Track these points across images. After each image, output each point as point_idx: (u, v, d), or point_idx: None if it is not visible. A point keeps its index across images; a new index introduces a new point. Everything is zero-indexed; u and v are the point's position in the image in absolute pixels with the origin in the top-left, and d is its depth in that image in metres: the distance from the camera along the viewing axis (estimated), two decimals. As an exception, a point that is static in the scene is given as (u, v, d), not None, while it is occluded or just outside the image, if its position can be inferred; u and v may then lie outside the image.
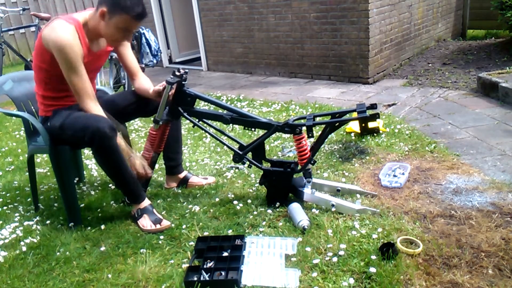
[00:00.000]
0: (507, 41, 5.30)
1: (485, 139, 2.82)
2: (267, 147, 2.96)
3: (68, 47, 1.93)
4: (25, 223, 2.28)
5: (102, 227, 2.17)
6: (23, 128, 3.62)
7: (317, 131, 2.85)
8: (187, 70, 2.18)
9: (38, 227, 2.24)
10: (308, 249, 1.82)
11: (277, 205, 2.21)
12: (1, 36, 5.32)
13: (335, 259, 1.74)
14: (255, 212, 2.17)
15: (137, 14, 1.97)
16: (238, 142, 2.27)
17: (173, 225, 2.12)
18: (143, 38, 4.87)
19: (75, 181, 2.64)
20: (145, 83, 2.31)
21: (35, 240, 2.11)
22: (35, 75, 2.13)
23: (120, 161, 2.07)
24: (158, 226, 2.09)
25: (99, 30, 2.03)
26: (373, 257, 1.72)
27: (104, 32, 2.02)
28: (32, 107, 2.36)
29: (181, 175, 2.54)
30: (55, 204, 2.48)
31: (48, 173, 2.97)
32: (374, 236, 1.87)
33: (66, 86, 2.04)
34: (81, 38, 2.00)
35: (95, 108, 2.05)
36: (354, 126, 3.09)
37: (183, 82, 2.17)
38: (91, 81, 2.21)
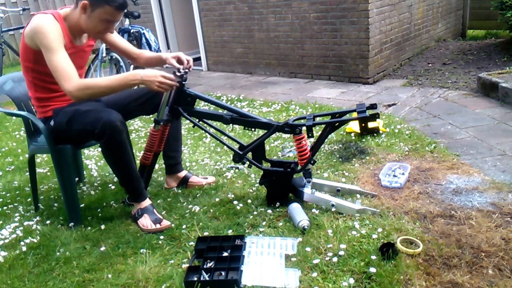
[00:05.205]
0: (507, 41, 5.30)
1: (485, 139, 2.82)
2: (267, 147, 2.96)
3: (47, 28, 1.92)
4: (25, 223, 2.28)
5: (102, 227, 2.17)
6: (23, 128, 3.63)
7: (317, 131, 2.85)
8: (187, 70, 2.18)
9: (38, 227, 2.24)
10: (308, 249, 1.82)
11: (277, 205, 2.21)
12: (1, 36, 5.33)
13: (335, 259, 1.74)
14: (255, 212, 2.17)
15: (119, 4, 2.00)
16: (238, 142, 2.27)
17: (173, 225, 2.12)
18: (143, 38, 4.88)
19: (75, 181, 2.64)
20: (151, 53, 2.40)
21: (35, 240, 2.11)
22: (25, 79, 2.14)
23: (128, 156, 2.07)
24: (158, 226, 2.09)
25: (80, 24, 2.04)
26: (373, 257, 1.72)
27: (86, 25, 2.03)
28: (33, 107, 2.36)
29: (181, 174, 2.54)
30: (55, 204, 2.48)
31: (48, 173, 2.97)
32: (374, 236, 1.87)
33: (56, 85, 2.00)
34: (61, 27, 2.00)
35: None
36: (354, 126, 3.09)
37: (183, 82, 2.17)
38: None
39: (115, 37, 2.35)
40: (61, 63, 1.92)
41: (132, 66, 4.71)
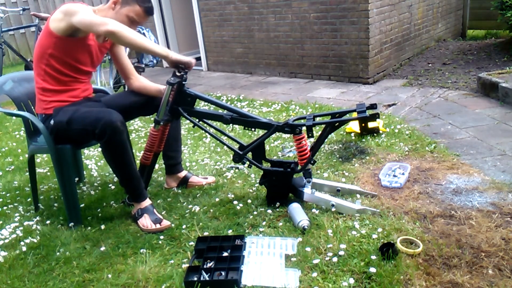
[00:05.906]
0: (507, 41, 5.30)
1: (485, 139, 2.82)
2: (267, 147, 2.96)
3: (80, 4, 1.99)
4: (25, 223, 2.28)
5: (102, 227, 2.17)
6: (23, 128, 3.63)
7: (317, 131, 2.86)
8: (187, 70, 2.18)
9: (38, 227, 2.24)
10: (308, 249, 1.82)
11: (277, 205, 2.21)
12: (1, 36, 5.32)
13: (335, 259, 1.74)
14: (255, 212, 2.17)
15: (148, 7, 2.15)
16: (238, 142, 2.27)
17: (173, 225, 2.13)
18: (143, 38, 4.87)
19: (75, 181, 2.64)
20: (144, 81, 2.40)
21: (35, 240, 2.11)
22: (35, 69, 2.14)
23: (128, 156, 2.08)
24: (158, 226, 2.09)
25: None
26: (373, 257, 1.72)
27: None
28: (32, 107, 2.36)
29: (181, 175, 2.54)
30: (55, 204, 2.48)
31: (48, 173, 2.97)
32: (374, 236, 1.87)
33: (67, 77, 2.08)
34: None
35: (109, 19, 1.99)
36: (354, 126, 3.09)
37: (183, 82, 2.17)
38: (87, 80, 2.27)
39: (122, 51, 2.38)
40: (93, 15, 1.97)
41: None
